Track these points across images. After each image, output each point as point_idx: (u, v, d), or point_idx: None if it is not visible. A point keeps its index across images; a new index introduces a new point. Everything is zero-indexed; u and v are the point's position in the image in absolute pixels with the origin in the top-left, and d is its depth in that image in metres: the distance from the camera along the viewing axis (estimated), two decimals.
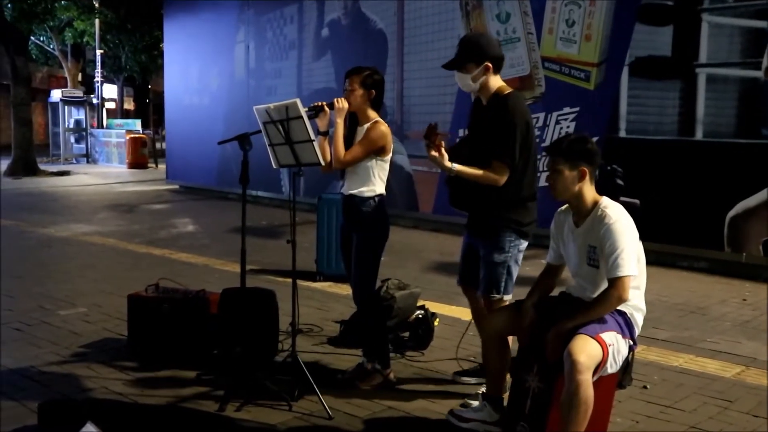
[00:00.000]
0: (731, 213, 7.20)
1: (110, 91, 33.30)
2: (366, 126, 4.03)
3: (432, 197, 9.93)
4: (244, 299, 4.15)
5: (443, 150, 3.53)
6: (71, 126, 23.84)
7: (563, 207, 3.34)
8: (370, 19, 10.84)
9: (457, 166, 3.55)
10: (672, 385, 4.16)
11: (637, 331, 3.18)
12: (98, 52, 26.39)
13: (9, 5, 17.64)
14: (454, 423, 3.50)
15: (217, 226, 10.30)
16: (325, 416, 3.64)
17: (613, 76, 8.02)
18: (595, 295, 3.11)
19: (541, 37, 8.59)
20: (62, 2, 21.20)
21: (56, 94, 23.94)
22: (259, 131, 3.96)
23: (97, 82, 26.48)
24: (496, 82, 3.69)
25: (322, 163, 3.88)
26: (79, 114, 24.09)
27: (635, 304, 3.14)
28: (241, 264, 3.97)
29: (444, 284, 6.40)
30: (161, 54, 19.74)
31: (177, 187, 15.73)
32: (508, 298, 3.74)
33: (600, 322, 3.02)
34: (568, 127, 8.36)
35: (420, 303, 4.98)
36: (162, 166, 18.37)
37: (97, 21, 24.81)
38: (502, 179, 3.57)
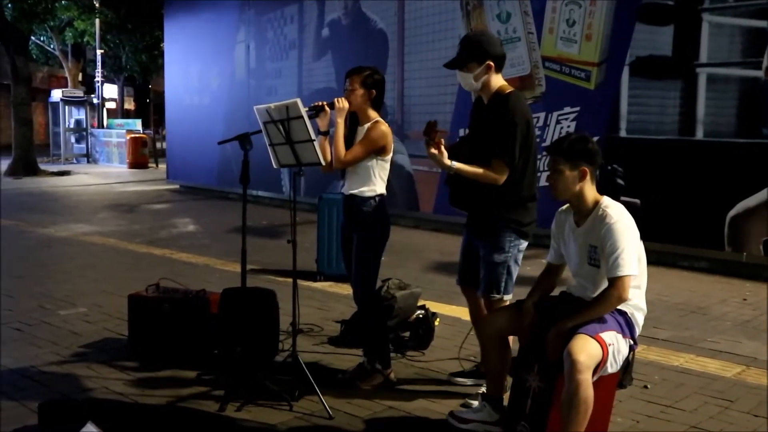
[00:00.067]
0: (732, 212, 7.20)
1: (111, 90, 33.31)
2: (366, 126, 4.03)
3: (433, 197, 9.93)
4: (244, 299, 4.15)
5: (443, 147, 3.53)
6: (72, 126, 23.84)
7: (564, 206, 3.33)
8: (371, 19, 10.84)
9: (456, 164, 3.55)
10: (672, 385, 4.16)
11: (638, 331, 3.18)
12: (99, 51, 26.38)
13: (9, 5, 17.65)
14: (454, 425, 3.50)
15: (218, 226, 10.30)
16: (326, 416, 3.64)
17: (613, 76, 8.01)
18: (596, 294, 3.11)
19: (541, 36, 8.59)
20: (63, 2, 21.21)
21: (57, 94, 23.94)
22: (260, 131, 3.95)
23: (98, 81, 26.48)
24: (497, 81, 3.69)
25: (323, 163, 3.88)
26: (79, 114, 24.09)
27: (636, 303, 3.14)
28: (241, 264, 3.97)
29: (444, 284, 6.39)
30: (162, 54, 19.74)
31: (177, 186, 15.74)
32: (508, 298, 3.74)
33: (600, 321, 3.01)
34: (568, 126, 8.36)
35: (420, 303, 4.98)
36: (162, 166, 18.37)
37: (97, 21, 24.80)
38: (502, 178, 3.57)
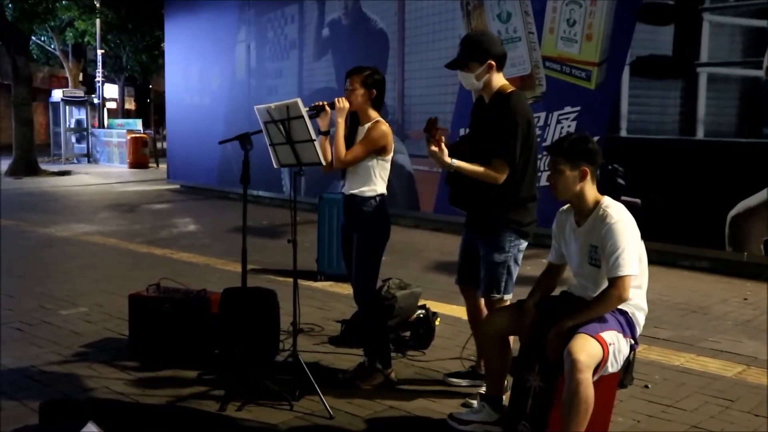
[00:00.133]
0: (732, 212, 7.20)
1: (111, 90, 33.31)
2: (367, 126, 4.03)
3: (433, 197, 9.93)
4: (245, 299, 4.15)
5: (443, 145, 3.53)
6: (72, 126, 23.86)
7: (565, 206, 3.33)
8: (371, 18, 10.84)
9: (456, 162, 3.54)
10: (673, 385, 4.16)
11: (639, 331, 3.18)
12: (99, 51, 26.38)
13: (10, 5, 17.66)
14: (454, 426, 3.50)
15: (218, 226, 10.31)
16: (326, 416, 3.64)
17: (614, 76, 8.01)
18: (597, 294, 3.11)
19: (542, 36, 8.59)
20: (63, 2, 21.21)
21: (57, 94, 23.97)
22: (260, 131, 3.95)
23: (98, 81, 26.48)
24: (499, 80, 3.69)
25: (323, 163, 3.88)
26: (80, 114, 24.11)
27: (637, 303, 3.14)
28: (242, 264, 3.97)
29: (445, 284, 6.39)
30: (162, 54, 19.75)
31: (178, 186, 15.74)
32: (508, 298, 3.74)
33: (601, 321, 3.01)
34: (569, 126, 8.36)
35: (421, 302, 4.98)
36: (163, 166, 18.38)
37: (98, 21, 24.80)
38: (502, 177, 3.57)
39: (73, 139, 24.12)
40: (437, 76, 9.52)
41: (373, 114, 4.05)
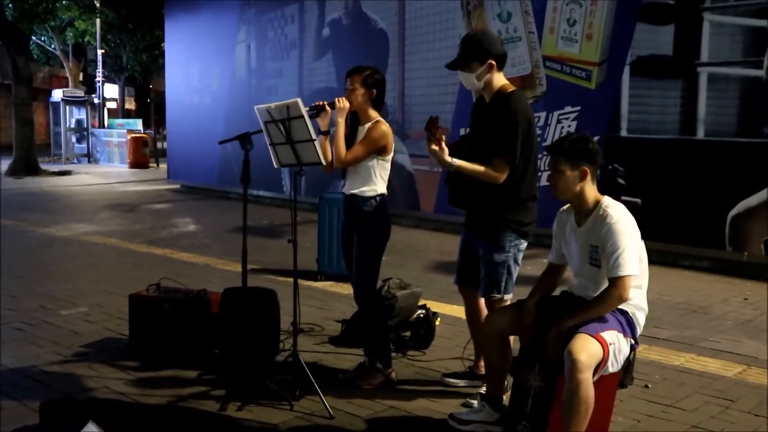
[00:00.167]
0: (733, 212, 7.20)
1: (111, 90, 33.33)
2: (367, 125, 4.02)
3: (433, 196, 9.93)
4: (245, 299, 4.15)
5: (444, 144, 3.53)
6: (72, 126, 23.87)
7: (565, 206, 3.33)
8: (371, 18, 10.84)
9: (457, 161, 3.55)
10: (673, 385, 4.16)
11: (639, 331, 3.18)
12: (99, 51, 26.39)
13: (10, 5, 17.65)
14: (455, 427, 3.49)
15: (218, 226, 10.30)
16: (327, 416, 3.64)
17: (614, 76, 8.01)
18: (597, 294, 3.11)
19: (542, 36, 8.59)
20: (63, 2, 21.21)
21: (57, 94, 23.97)
22: (260, 131, 3.95)
23: (99, 81, 26.49)
24: (499, 80, 3.69)
25: (324, 163, 3.88)
26: (80, 114, 24.11)
27: (637, 303, 3.13)
28: (242, 263, 3.97)
29: (445, 283, 6.38)
30: (162, 54, 19.75)
31: (178, 186, 15.74)
32: (508, 298, 3.74)
33: (601, 321, 3.01)
34: (569, 126, 8.35)
35: (421, 302, 4.98)
36: (163, 166, 18.38)
37: (98, 21, 24.81)
38: (502, 177, 3.56)
39: (74, 139, 24.13)
40: (437, 75, 9.52)
41: (374, 114, 4.05)
